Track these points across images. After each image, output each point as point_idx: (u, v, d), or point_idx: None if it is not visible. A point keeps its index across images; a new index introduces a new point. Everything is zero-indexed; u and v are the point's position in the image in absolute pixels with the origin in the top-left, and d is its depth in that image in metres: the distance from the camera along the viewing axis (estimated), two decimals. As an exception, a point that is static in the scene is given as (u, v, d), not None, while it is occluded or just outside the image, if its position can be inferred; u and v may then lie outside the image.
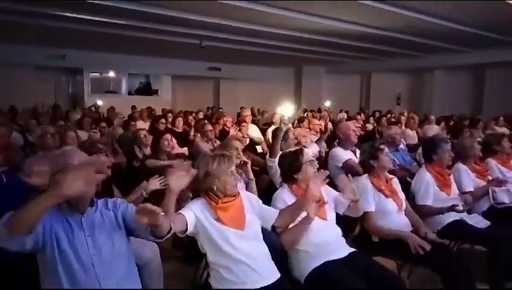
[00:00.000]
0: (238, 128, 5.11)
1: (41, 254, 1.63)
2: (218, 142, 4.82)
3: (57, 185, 1.49)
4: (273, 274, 1.99)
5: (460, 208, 2.78)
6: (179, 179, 1.86)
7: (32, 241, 1.56)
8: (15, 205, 1.49)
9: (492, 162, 3.65)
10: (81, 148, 1.87)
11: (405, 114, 9.11)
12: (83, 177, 1.54)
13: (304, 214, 2.16)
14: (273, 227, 2.19)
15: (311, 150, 3.85)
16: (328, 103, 12.82)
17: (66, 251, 1.62)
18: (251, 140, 5.27)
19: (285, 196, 2.34)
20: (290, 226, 2.18)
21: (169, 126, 6.49)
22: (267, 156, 3.64)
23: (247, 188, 2.83)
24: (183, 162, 3.85)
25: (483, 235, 2.80)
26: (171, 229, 1.70)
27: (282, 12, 7.51)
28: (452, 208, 2.78)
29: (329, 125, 8.30)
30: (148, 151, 4.25)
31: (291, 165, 2.41)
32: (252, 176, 2.95)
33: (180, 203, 2.14)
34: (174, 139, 5.34)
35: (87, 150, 2.25)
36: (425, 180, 3.01)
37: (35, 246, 1.59)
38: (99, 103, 11.31)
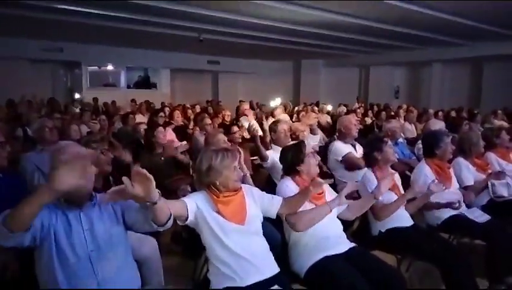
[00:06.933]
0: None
1: (38, 249, 1.63)
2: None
3: (49, 181, 1.45)
4: (272, 268, 1.99)
5: (456, 205, 2.79)
6: None
7: (30, 237, 1.55)
8: (12, 203, 1.48)
9: (492, 155, 3.64)
10: None
11: (403, 107, 9.11)
12: (76, 171, 1.48)
13: (308, 205, 2.20)
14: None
15: (311, 143, 3.85)
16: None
17: (63, 246, 1.62)
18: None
19: (290, 186, 2.35)
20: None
21: (167, 120, 6.46)
22: (259, 160, 3.61)
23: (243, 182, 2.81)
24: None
25: (483, 229, 2.79)
26: (171, 215, 1.66)
27: (281, 5, 7.45)
28: (448, 206, 2.80)
29: (328, 118, 8.34)
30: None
31: (294, 158, 2.43)
32: (246, 170, 2.90)
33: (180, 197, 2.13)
34: (173, 133, 5.31)
35: None
36: (424, 174, 3.00)
37: (32, 242, 1.58)
38: (77, 96, 12.17)
